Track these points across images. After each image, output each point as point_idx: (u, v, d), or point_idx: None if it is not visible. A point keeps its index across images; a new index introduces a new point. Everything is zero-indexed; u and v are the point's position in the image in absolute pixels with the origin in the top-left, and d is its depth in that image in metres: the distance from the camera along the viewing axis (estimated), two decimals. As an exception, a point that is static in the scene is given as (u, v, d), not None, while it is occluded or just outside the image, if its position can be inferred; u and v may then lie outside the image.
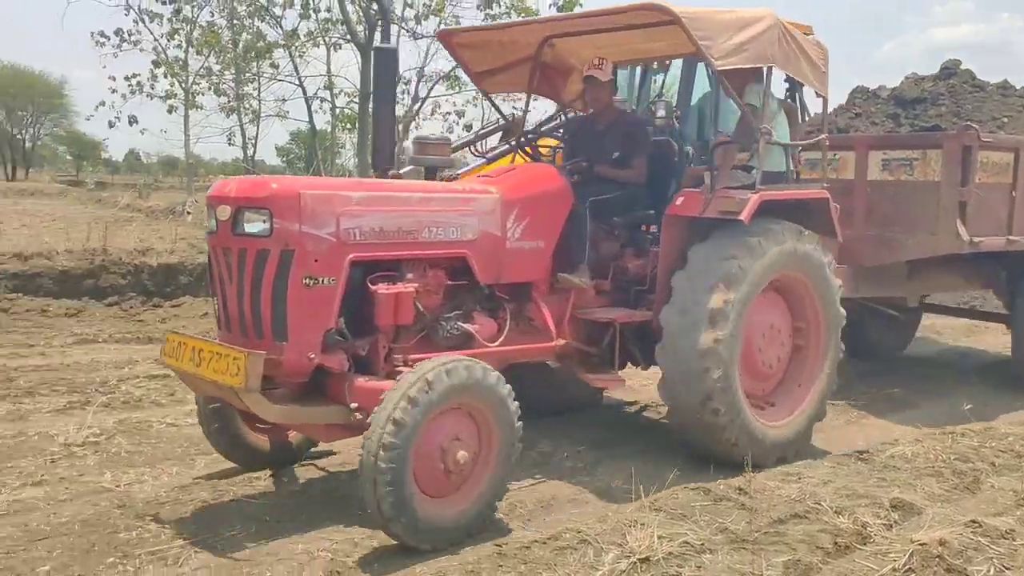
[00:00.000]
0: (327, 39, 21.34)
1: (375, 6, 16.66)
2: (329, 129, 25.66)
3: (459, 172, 6.76)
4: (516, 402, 4.38)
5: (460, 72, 17.00)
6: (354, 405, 4.35)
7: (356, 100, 20.66)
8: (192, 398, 5.35)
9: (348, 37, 19.23)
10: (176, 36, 22.92)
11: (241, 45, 22.99)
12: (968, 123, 7.87)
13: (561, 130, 6.89)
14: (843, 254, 6.86)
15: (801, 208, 5.82)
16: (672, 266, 5.45)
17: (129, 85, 22.52)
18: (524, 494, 4.93)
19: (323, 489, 4.95)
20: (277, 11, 21.32)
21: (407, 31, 19.24)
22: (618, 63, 6.51)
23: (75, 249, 10.83)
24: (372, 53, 4.71)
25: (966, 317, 9.97)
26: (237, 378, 4.00)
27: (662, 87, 7.32)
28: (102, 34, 22.25)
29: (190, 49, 23.79)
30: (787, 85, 6.43)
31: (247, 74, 23.94)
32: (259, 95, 24.83)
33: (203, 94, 24.78)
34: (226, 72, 23.94)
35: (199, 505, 4.64)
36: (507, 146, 7.05)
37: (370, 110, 5.05)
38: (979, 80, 11.28)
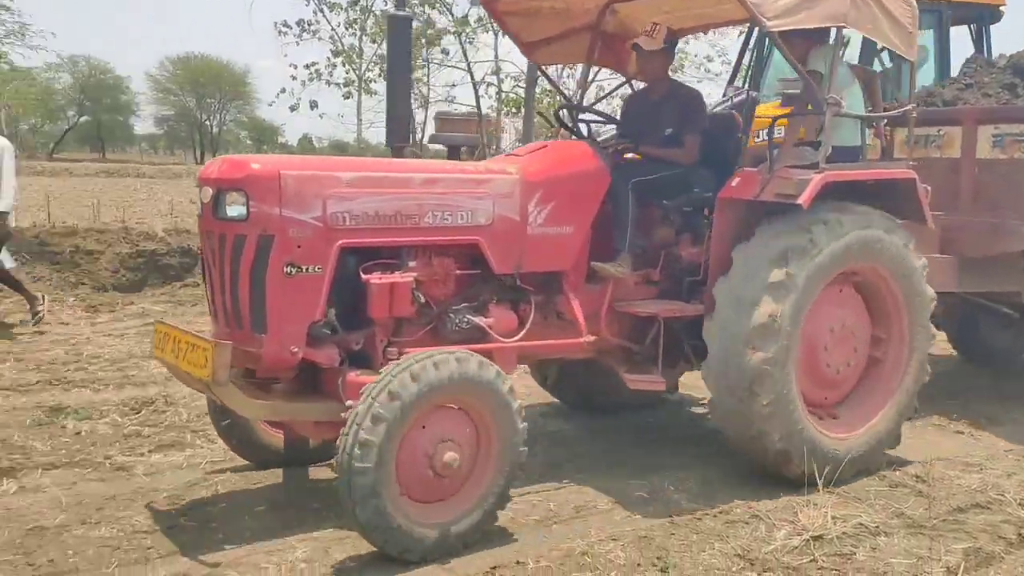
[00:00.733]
0: (495, 25, 21.36)
1: None
2: (495, 114, 25.99)
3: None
4: (517, 402, 3.96)
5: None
6: (349, 402, 4.02)
7: (521, 84, 20.64)
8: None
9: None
10: (352, 26, 23.62)
11: (413, 32, 23.24)
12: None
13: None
14: (946, 243, 6.05)
15: (887, 190, 5.09)
16: (725, 256, 4.86)
17: (308, 72, 23.46)
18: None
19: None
20: (448, -1, 21.56)
21: None
22: (681, 31, 5.92)
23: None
24: (387, 21, 4.32)
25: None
26: (205, 370, 3.74)
27: None
28: (285, 24, 23.23)
29: (364, 37, 24.46)
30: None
31: (418, 60, 24.40)
32: (428, 80, 25.20)
33: (376, 81, 25.45)
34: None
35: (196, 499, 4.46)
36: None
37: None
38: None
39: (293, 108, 23.38)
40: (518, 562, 3.79)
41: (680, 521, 4.25)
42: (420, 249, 4.34)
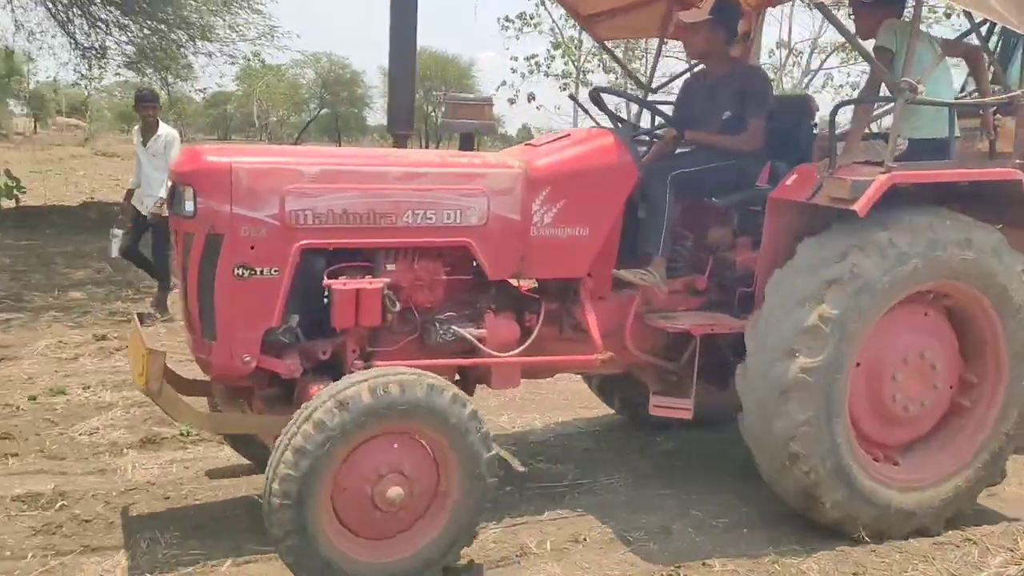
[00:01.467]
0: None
1: None
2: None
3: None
4: (483, 430, 3.49)
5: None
6: None
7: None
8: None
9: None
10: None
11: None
12: None
13: None
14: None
15: (991, 194, 4.19)
16: (776, 266, 4.14)
17: (528, 65, 23.74)
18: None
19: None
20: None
21: None
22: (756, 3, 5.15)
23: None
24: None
25: None
26: (142, 377, 3.52)
27: None
28: (507, 18, 23.55)
29: (584, 29, 24.34)
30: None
31: (637, 50, 24.07)
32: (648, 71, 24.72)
33: (593, 72, 25.42)
34: (616, 50, 24.08)
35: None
36: None
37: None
38: None
39: (512, 100, 23.79)
40: (704, 563, 3.79)
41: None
42: (400, 252, 3.92)
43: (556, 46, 23.40)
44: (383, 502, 3.38)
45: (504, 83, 24.49)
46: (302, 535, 3.24)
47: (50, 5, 15.86)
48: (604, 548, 3.96)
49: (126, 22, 16.15)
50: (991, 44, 4.70)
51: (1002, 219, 4.24)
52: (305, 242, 3.67)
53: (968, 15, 4.40)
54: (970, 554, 3.90)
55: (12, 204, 14.78)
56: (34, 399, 5.69)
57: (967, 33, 4.64)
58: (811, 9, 4.12)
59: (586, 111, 4.84)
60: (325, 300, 3.78)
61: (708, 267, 4.60)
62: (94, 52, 16.85)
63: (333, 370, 3.84)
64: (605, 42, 5.58)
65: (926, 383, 4.18)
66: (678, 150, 4.85)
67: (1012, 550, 3.90)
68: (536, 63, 23.10)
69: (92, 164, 26.40)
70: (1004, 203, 4.20)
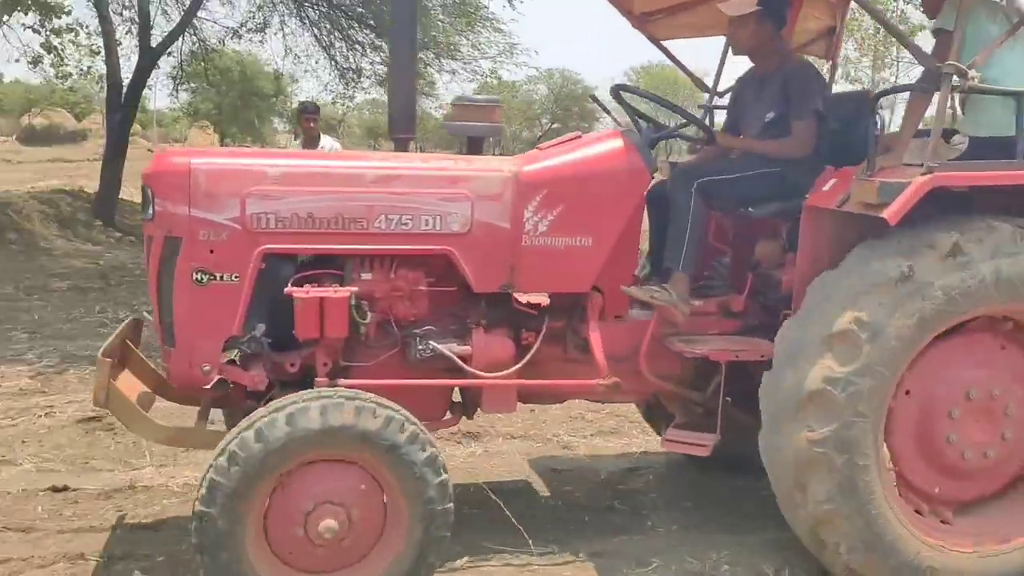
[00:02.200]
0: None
1: None
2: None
3: None
4: (439, 473, 3.17)
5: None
6: None
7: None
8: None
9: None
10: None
11: (881, 31, 22.40)
12: None
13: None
14: None
15: None
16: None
17: None
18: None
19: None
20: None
21: None
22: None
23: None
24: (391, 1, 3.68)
25: None
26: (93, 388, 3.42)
27: None
28: None
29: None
30: None
31: (886, 59, 23.38)
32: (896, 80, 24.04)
33: (836, 83, 24.94)
34: (863, 59, 23.58)
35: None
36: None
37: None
38: None
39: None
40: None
41: None
42: (376, 260, 3.66)
43: None
44: (316, 535, 3.11)
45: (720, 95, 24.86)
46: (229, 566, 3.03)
47: (316, 31, 17.36)
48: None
49: (380, 43, 17.25)
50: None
51: None
52: (267, 247, 3.48)
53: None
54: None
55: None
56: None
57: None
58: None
59: (607, 110, 4.43)
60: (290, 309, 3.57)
61: (747, 286, 4.07)
62: (351, 73, 18.11)
63: (307, 385, 3.62)
64: (663, 42, 5.11)
65: (993, 429, 3.48)
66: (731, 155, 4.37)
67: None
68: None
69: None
70: None
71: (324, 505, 3.11)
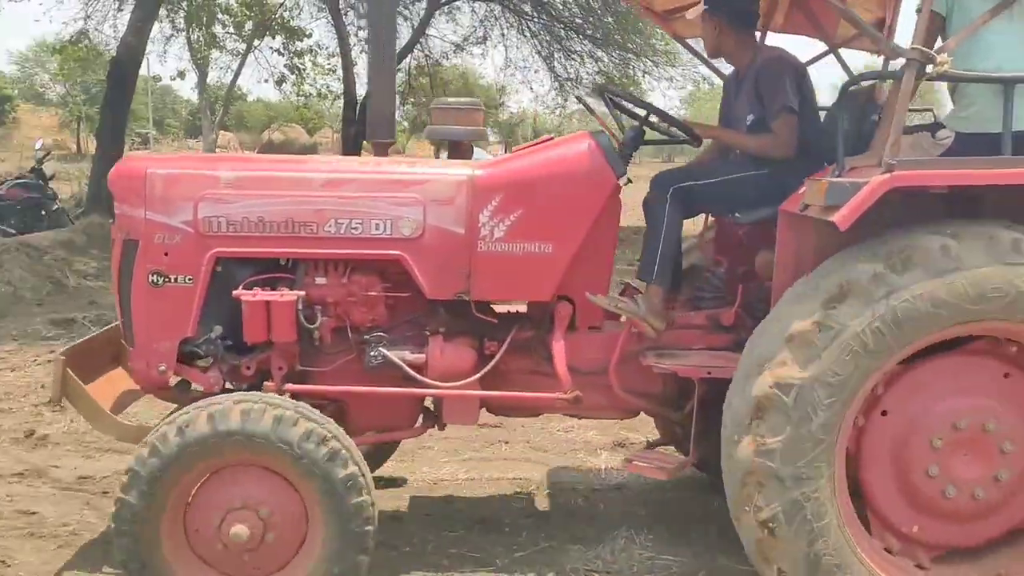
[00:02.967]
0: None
1: None
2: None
3: None
4: (359, 493, 3.11)
5: None
6: None
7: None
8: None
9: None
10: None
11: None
12: None
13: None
14: None
15: None
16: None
17: None
18: None
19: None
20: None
21: None
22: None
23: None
24: (369, 3, 3.67)
25: None
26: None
27: None
28: None
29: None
30: None
31: None
32: None
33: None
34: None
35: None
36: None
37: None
38: None
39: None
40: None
41: None
42: (329, 264, 3.62)
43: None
44: (228, 540, 3.10)
45: None
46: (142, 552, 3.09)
47: (536, 43, 18.29)
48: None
49: (599, 54, 18.04)
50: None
51: None
52: (219, 250, 3.53)
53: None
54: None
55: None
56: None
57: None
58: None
59: (592, 112, 4.20)
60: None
61: (737, 299, 3.77)
62: (570, 82, 18.88)
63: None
64: (686, 39, 4.82)
65: (984, 466, 3.04)
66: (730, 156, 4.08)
67: None
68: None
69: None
70: None
71: (240, 510, 3.10)
